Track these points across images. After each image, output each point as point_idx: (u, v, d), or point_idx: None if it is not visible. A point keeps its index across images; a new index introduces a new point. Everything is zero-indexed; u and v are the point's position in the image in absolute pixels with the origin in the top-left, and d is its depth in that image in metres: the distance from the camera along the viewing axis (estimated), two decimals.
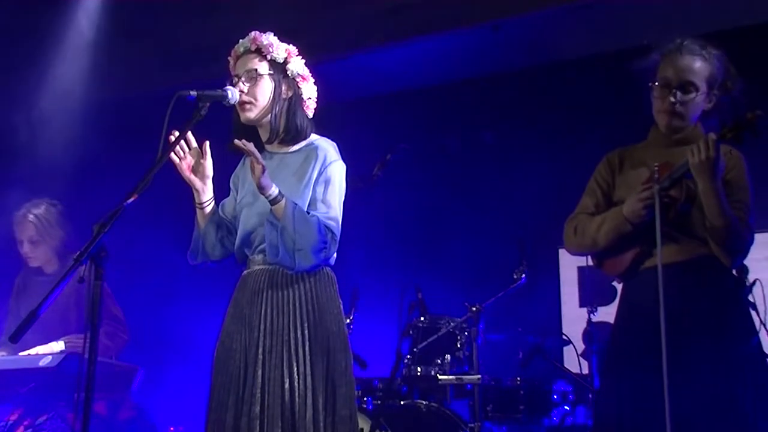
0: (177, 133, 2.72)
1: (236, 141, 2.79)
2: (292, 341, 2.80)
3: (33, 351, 3.87)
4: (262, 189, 2.76)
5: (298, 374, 2.77)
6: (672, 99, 2.83)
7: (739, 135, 2.69)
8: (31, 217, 4.19)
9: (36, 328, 4.06)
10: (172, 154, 2.82)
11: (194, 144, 2.92)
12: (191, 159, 2.92)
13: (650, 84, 2.90)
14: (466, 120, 5.87)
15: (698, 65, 2.84)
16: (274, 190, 2.77)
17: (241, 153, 3.08)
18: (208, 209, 2.97)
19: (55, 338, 3.94)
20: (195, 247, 3.02)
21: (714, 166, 2.70)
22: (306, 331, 2.82)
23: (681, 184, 2.79)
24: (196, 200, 2.97)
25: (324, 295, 2.89)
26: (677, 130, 2.89)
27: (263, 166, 2.75)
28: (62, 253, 4.21)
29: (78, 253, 2.34)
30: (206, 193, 2.96)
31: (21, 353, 3.88)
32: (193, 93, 2.68)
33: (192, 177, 2.93)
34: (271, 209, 2.80)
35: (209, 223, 2.98)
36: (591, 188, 3.06)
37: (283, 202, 2.78)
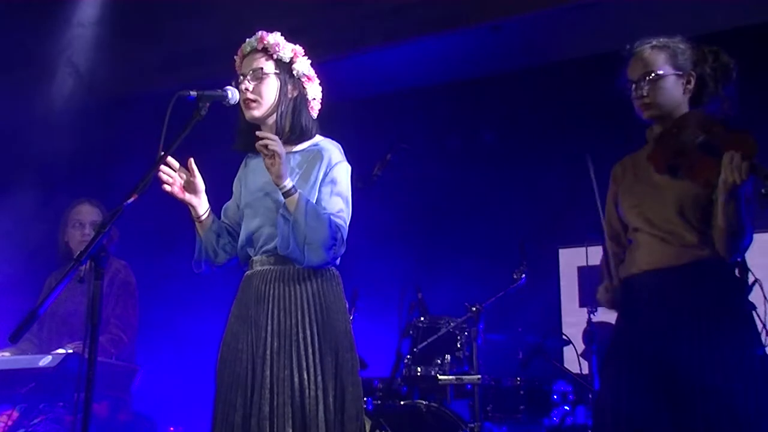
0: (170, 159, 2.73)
1: (258, 132, 2.80)
2: (301, 340, 2.80)
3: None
4: (278, 177, 2.77)
5: (308, 373, 2.77)
6: (639, 92, 2.89)
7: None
8: (96, 202, 4.29)
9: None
10: (164, 185, 2.84)
11: (177, 164, 2.89)
12: (181, 180, 2.90)
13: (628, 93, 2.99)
14: (466, 120, 5.87)
15: (652, 55, 2.91)
16: (288, 182, 2.79)
17: (243, 154, 3.09)
18: (207, 221, 2.98)
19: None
20: (199, 256, 3.02)
21: (740, 190, 2.69)
22: (315, 330, 2.82)
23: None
24: (194, 215, 2.96)
25: (331, 294, 2.89)
26: (658, 119, 2.93)
27: (282, 155, 2.75)
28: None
29: (78, 252, 2.35)
30: (202, 206, 2.96)
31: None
32: (193, 93, 2.68)
33: (187, 197, 2.92)
34: (284, 203, 2.81)
35: (209, 232, 2.99)
36: (607, 214, 3.06)
37: (296, 195, 2.79)
